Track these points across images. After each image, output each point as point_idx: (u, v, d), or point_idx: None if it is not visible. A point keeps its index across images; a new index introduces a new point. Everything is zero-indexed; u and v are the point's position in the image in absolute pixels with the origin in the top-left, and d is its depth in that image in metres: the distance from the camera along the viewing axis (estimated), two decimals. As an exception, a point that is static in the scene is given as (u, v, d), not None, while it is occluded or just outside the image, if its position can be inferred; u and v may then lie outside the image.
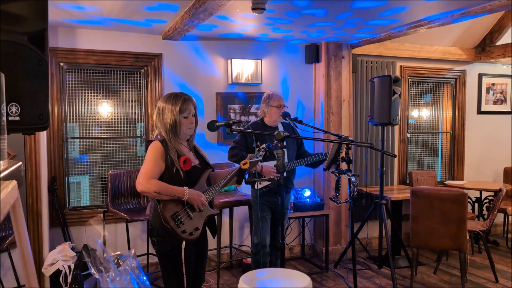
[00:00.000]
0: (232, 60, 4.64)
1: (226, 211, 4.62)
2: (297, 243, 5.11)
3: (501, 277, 4.32)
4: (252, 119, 4.65)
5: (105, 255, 3.21)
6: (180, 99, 2.47)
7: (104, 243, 4.13)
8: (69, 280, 3.37)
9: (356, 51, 5.06)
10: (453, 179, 5.91)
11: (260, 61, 4.77)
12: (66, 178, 4.19)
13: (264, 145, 2.71)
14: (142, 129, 4.51)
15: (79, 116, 4.25)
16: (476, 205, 5.57)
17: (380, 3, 3.45)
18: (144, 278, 3.18)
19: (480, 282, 4.25)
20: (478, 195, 5.56)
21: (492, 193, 5.35)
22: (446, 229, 3.78)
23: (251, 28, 4.23)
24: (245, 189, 4.29)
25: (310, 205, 4.49)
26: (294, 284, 2.39)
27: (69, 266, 3.41)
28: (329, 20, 4.01)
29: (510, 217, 5.64)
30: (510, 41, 5.48)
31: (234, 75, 4.64)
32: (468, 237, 3.83)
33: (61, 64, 4.12)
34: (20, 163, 1.15)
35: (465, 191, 3.80)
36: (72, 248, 3.64)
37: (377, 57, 5.26)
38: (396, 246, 4.78)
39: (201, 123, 2.68)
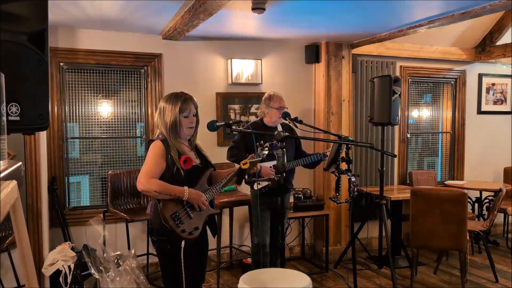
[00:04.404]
0: (232, 60, 4.64)
1: (226, 211, 4.62)
2: (297, 243, 5.11)
3: (501, 277, 4.32)
4: (252, 119, 4.65)
5: (105, 255, 3.21)
6: (180, 98, 2.47)
7: (104, 243, 4.13)
8: (69, 280, 3.37)
9: (356, 51, 5.06)
10: (453, 179, 5.90)
11: (260, 61, 4.77)
12: (66, 178, 4.19)
13: (268, 143, 2.70)
14: (142, 129, 4.51)
15: (79, 116, 4.24)
16: (476, 205, 5.57)
17: (380, 3, 3.45)
18: (144, 278, 3.18)
19: (480, 282, 4.25)
20: (478, 195, 5.56)
21: (492, 193, 5.34)
22: (446, 229, 3.78)
23: (251, 28, 4.23)
24: (245, 189, 4.29)
25: (310, 205, 4.49)
26: (294, 284, 2.39)
27: (69, 266, 3.42)
28: (329, 20, 4.01)
29: (510, 217, 5.64)
30: (510, 41, 5.48)
31: (234, 75, 4.64)
32: (468, 237, 3.83)
33: (61, 64, 4.12)
34: (20, 163, 1.15)
35: (465, 191, 3.80)
36: (72, 248, 3.64)
37: (377, 57, 5.26)
38: (396, 246, 4.77)
39: (201, 123, 2.67)
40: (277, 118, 3.65)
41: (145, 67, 4.41)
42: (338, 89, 4.93)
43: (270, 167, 3.47)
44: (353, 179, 2.84)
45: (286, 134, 2.60)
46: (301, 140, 3.86)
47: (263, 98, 3.77)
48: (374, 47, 5.12)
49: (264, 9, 3.35)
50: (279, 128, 3.72)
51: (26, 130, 1.31)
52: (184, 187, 2.39)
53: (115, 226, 4.31)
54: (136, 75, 4.44)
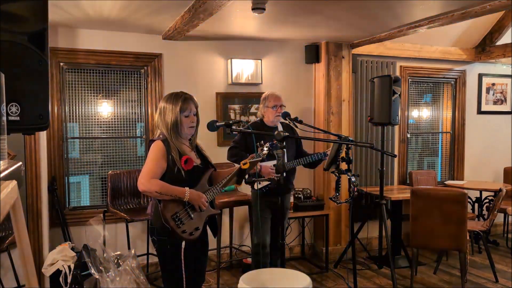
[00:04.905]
0: (232, 60, 4.64)
1: (226, 211, 4.62)
2: (297, 243, 5.11)
3: (501, 277, 4.32)
4: (252, 119, 4.65)
5: (105, 255, 3.21)
6: (181, 98, 2.47)
7: (104, 243, 4.13)
8: (69, 280, 3.37)
9: (356, 51, 5.06)
10: (453, 179, 5.90)
11: (260, 61, 4.77)
12: (66, 178, 4.19)
13: (268, 143, 2.70)
14: (142, 129, 4.51)
15: (79, 116, 4.24)
16: (476, 205, 5.57)
17: (380, 3, 3.45)
18: (144, 278, 3.18)
19: (480, 282, 4.25)
20: (478, 195, 5.56)
21: (492, 193, 5.34)
22: (446, 229, 3.78)
23: (251, 28, 4.23)
24: (245, 189, 4.29)
25: (310, 205, 4.49)
26: (294, 284, 2.39)
27: (69, 266, 3.41)
28: (329, 20, 4.01)
29: (510, 217, 5.64)
30: (510, 41, 5.48)
31: (234, 75, 4.64)
32: (468, 237, 3.83)
33: (61, 64, 4.12)
34: (20, 163, 1.15)
35: (465, 191, 3.80)
36: (72, 248, 3.64)
37: (377, 57, 5.26)
38: (396, 246, 4.77)
39: (201, 123, 2.67)
40: (274, 117, 3.66)
41: (145, 67, 4.41)
42: (338, 89, 4.93)
43: (271, 166, 3.47)
44: (353, 179, 2.84)
45: (286, 134, 2.59)
46: (301, 140, 3.86)
47: (261, 98, 3.78)
48: (374, 47, 5.12)
49: (264, 9, 3.35)
50: (280, 128, 3.72)
51: (26, 130, 1.31)
52: (185, 187, 2.38)
53: (115, 226, 4.31)
54: (136, 75, 4.44)
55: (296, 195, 4.51)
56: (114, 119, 4.39)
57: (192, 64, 4.56)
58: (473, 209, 5.55)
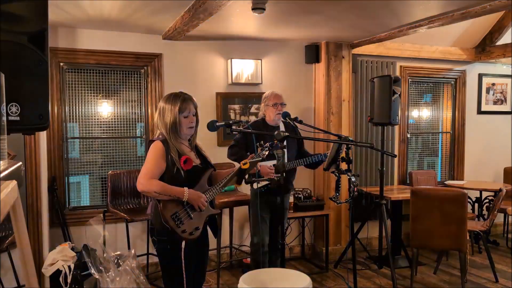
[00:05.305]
0: (232, 60, 4.64)
1: (226, 211, 4.62)
2: (297, 243, 5.11)
3: (501, 277, 4.32)
4: (252, 119, 4.65)
5: (105, 255, 3.21)
6: (180, 98, 2.47)
7: (104, 243, 4.13)
8: (69, 280, 3.37)
9: (356, 51, 5.06)
10: (453, 179, 5.90)
11: (260, 61, 4.77)
12: (66, 178, 4.19)
13: (268, 143, 2.69)
14: (142, 129, 4.51)
15: (79, 116, 4.25)
16: (476, 205, 5.56)
17: (380, 3, 3.45)
18: (144, 278, 3.18)
19: (480, 282, 4.25)
20: (478, 195, 5.56)
21: (492, 193, 5.34)
22: (446, 229, 3.78)
23: (251, 28, 4.23)
24: (245, 189, 4.29)
25: (310, 205, 4.49)
26: (294, 284, 2.39)
27: (69, 266, 3.42)
28: (329, 20, 4.00)
29: (510, 217, 5.64)
30: (510, 41, 5.48)
31: (234, 75, 4.64)
32: (468, 237, 3.83)
33: (61, 64, 4.12)
34: (20, 163, 1.15)
35: (465, 191, 3.80)
36: (72, 248, 3.64)
37: (377, 57, 5.26)
38: (396, 246, 4.77)
39: (201, 123, 2.67)
40: (274, 115, 3.66)
41: (145, 67, 4.41)
42: (338, 89, 4.93)
43: (270, 166, 3.47)
44: (353, 179, 2.84)
45: (286, 134, 2.59)
46: (303, 140, 3.86)
47: (262, 97, 3.79)
48: (374, 47, 5.12)
49: (264, 9, 3.35)
50: (281, 127, 3.72)
51: (26, 130, 1.31)
52: (184, 188, 2.38)
53: (115, 226, 4.31)
54: (136, 75, 4.44)
55: (296, 195, 4.50)
56: (114, 119, 4.39)
57: (192, 64, 4.57)
58: (473, 209, 5.55)
